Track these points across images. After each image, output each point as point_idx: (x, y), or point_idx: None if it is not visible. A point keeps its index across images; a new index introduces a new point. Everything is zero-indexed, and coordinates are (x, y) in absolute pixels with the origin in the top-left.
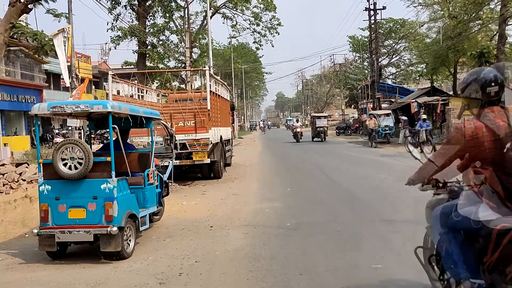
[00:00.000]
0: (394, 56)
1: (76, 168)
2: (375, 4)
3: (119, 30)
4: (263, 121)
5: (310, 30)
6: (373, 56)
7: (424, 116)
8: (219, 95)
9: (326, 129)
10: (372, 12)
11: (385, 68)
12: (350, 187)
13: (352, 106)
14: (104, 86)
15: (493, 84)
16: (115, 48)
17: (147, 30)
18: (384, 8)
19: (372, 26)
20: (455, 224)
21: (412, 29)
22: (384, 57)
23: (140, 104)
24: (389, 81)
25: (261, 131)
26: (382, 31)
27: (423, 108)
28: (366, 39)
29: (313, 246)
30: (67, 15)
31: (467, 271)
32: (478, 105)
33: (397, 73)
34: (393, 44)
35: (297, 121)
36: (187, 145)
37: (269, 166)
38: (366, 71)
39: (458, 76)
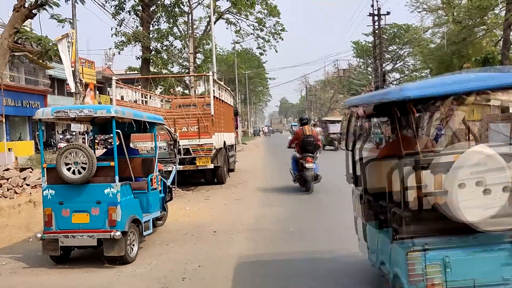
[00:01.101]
0: (398, 62)
1: (79, 172)
2: (379, 9)
3: (123, 35)
4: (268, 127)
5: (314, 36)
6: (377, 61)
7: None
8: (222, 101)
9: (340, 135)
10: (376, 18)
11: (389, 74)
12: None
13: None
14: (108, 92)
15: (305, 119)
16: (119, 53)
17: (151, 36)
18: (388, 13)
19: (376, 31)
20: (294, 158)
21: (416, 35)
22: (388, 62)
23: (144, 110)
24: (393, 87)
25: (265, 136)
26: (386, 37)
27: None
28: (370, 45)
29: (316, 251)
30: (71, 21)
31: (295, 169)
32: (303, 124)
33: (401, 79)
34: (397, 50)
35: (315, 125)
36: (191, 150)
37: (273, 172)
38: (370, 77)
39: None
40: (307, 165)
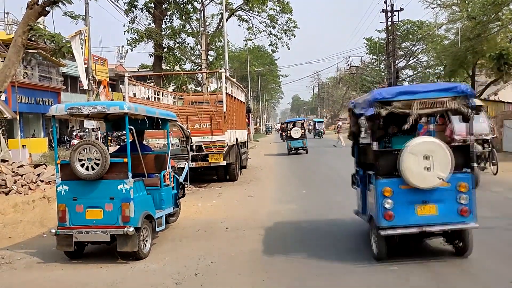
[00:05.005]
0: (411, 58)
1: (93, 168)
2: (392, 5)
3: (135, 32)
4: (283, 123)
5: (326, 33)
6: (390, 58)
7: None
8: (235, 98)
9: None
10: (389, 14)
11: (402, 71)
12: None
13: None
14: (121, 89)
15: (284, 123)
16: (132, 50)
17: (163, 33)
18: (401, 9)
19: (389, 28)
20: (279, 133)
21: (430, 31)
22: (401, 59)
23: (157, 107)
24: (406, 84)
25: (277, 132)
26: (399, 33)
27: None
28: (383, 41)
29: (329, 248)
30: (84, 17)
31: (280, 136)
32: (283, 124)
33: (414, 76)
34: (410, 46)
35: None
36: (203, 147)
37: (285, 169)
38: (383, 74)
39: (477, 78)
40: (283, 135)
